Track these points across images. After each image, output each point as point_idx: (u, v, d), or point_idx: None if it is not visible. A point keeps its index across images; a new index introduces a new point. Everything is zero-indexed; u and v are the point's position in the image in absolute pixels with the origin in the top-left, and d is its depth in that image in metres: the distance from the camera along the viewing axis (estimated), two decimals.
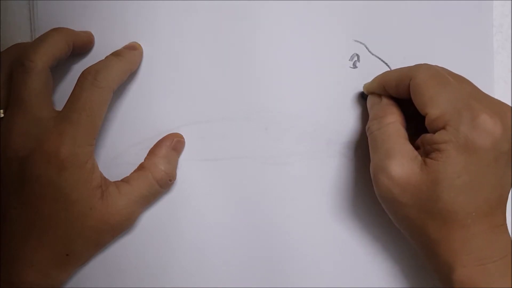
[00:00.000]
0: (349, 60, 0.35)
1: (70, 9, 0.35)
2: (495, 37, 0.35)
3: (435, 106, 0.28)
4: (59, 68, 0.34)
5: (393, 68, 0.35)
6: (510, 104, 0.29)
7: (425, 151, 0.29)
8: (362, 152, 0.35)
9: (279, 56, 0.35)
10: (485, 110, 0.27)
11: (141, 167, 0.34)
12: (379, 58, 0.35)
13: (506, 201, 0.29)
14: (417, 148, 0.29)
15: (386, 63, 0.35)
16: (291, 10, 0.35)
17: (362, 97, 0.35)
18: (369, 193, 0.35)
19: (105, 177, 0.32)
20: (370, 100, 0.33)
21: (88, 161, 0.30)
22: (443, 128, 0.28)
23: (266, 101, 0.35)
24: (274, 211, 0.35)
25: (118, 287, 0.34)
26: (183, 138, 0.35)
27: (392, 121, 0.30)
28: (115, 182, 0.32)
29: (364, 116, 0.35)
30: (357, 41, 0.35)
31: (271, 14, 0.35)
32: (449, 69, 0.35)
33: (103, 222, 0.31)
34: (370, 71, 0.35)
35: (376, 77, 0.33)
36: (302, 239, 0.35)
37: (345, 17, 0.35)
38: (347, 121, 0.35)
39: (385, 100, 0.32)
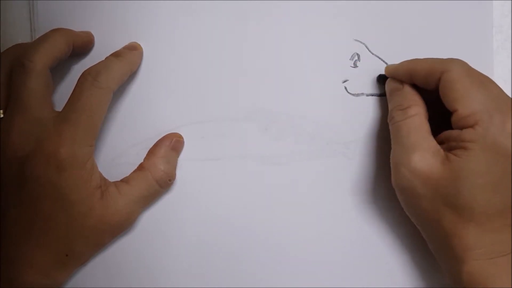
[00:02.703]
0: (350, 59, 0.35)
1: (70, 9, 0.35)
2: (495, 37, 0.35)
3: (467, 104, 0.28)
4: (59, 68, 0.34)
5: None
6: None
7: (449, 147, 0.29)
8: (362, 152, 0.35)
9: (279, 56, 0.35)
10: None
11: (140, 167, 0.34)
12: (379, 58, 0.35)
13: None
14: (439, 142, 0.30)
15: (386, 63, 0.35)
16: (290, 10, 0.35)
17: (379, 81, 0.34)
18: (369, 193, 0.35)
19: (105, 178, 0.32)
20: (390, 84, 0.33)
21: (88, 161, 0.30)
22: (471, 127, 0.28)
23: (266, 101, 0.35)
24: (274, 211, 0.35)
25: (117, 287, 0.34)
26: (182, 138, 0.35)
27: (417, 113, 0.30)
28: (114, 182, 0.32)
29: (365, 116, 0.35)
30: (358, 41, 0.35)
31: (271, 14, 0.35)
32: None
33: (102, 222, 0.31)
34: (370, 71, 0.35)
35: (403, 62, 0.32)
36: (302, 239, 0.35)
37: (346, 16, 0.35)
38: (347, 121, 0.35)
39: (407, 89, 0.31)
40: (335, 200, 0.35)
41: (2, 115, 0.31)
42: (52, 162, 0.29)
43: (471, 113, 0.28)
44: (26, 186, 0.30)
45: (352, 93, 0.35)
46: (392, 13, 0.35)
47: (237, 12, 0.35)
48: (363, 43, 0.35)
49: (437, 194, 0.28)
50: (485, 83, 0.29)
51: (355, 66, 0.35)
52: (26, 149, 0.29)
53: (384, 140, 0.35)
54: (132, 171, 0.34)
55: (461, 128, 0.28)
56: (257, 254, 0.35)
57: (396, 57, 0.35)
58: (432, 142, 0.29)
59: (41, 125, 0.30)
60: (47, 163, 0.29)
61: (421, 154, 0.29)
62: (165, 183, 0.34)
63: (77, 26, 0.34)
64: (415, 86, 0.32)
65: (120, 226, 0.33)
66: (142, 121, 0.35)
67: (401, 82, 0.32)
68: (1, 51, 0.33)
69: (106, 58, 0.32)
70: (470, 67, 0.30)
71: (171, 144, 0.34)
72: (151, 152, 0.34)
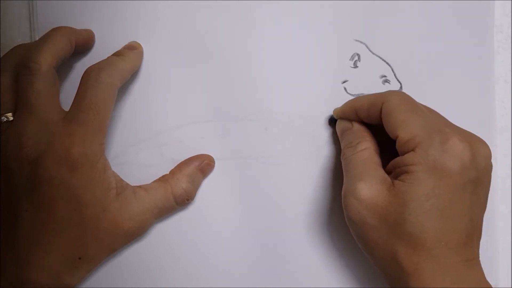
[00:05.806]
0: (350, 60, 0.35)
1: (70, 9, 0.35)
2: (496, 37, 0.35)
3: (406, 129, 0.28)
4: (60, 67, 0.34)
5: (393, 66, 0.35)
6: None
7: (395, 174, 0.29)
8: None
9: (279, 56, 0.35)
10: (455, 135, 0.28)
11: (163, 179, 0.33)
12: (380, 58, 0.35)
13: (479, 237, 0.28)
14: (389, 173, 0.29)
15: (387, 63, 0.35)
16: (291, 10, 0.35)
17: (330, 123, 0.35)
18: None
19: (121, 179, 0.32)
20: (340, 125, 0.33)
21: (99, 160, 0.30)
22: (413, 150, 0.28)
23: (266, 101, 0.35)
24: (273, 211, 0.35)
25: (115, 287, 0.34)
26: (213, 162, 0.35)
27: (366, 147, 0.31)
28: (133, 186, 0.32)
29: None
30: (358, 41, 0.35)
31: (271, 14, 0.35)
32: (449, 69, 0.35)
33: (116, 226, 0.31)
34: (370, 71, 0.35)
35: (347, 102, 0.33)
36: (302, 239, 0.35)
37: (346, 16, 0.35)
38: None
39: (356, 126, 0.32)
40: (335, 200, 0.35)
41: (11, 118, 0.31)
42: (64, 162, 0.29)
43: (411, 137, 0.28)
44: (39, 188, 0.29)
45: (351, 93, 0.35)
46: (392, 13, 0.35)
47: (237, 12, 0.35)
48: (364, 43, 0.35)
49: (386, 224, 0.27)
50: (423, 109, 0.30)
51: (355, 66, 0.35)
52: (38, 151, 0.29)
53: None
54: (131, 170, 0.34)
55: (404, 153, 0.28)
56: (256, 254, 0.35)
57: (397, 57, 0.35)
58: (379, 171, 0.29)
59: (51, 126, 0.30)
60: (59, 164, 0.29)
61: (367, 182, 0.28)
62: (182, 202, 0.33)
63: (77, 25, 0.34)
64: (364, 124, 0.32)
65: (133, 233, 0.32)
66: (141, 121, 0.35)
67: (350, 121, 0.33)
68: (1, 50, 0.33)
69: (108, 57, 0.33)
70: (408, 96, 0.30)
71: (200, 166, 0.34)
72: (178, 167, 0.34)
